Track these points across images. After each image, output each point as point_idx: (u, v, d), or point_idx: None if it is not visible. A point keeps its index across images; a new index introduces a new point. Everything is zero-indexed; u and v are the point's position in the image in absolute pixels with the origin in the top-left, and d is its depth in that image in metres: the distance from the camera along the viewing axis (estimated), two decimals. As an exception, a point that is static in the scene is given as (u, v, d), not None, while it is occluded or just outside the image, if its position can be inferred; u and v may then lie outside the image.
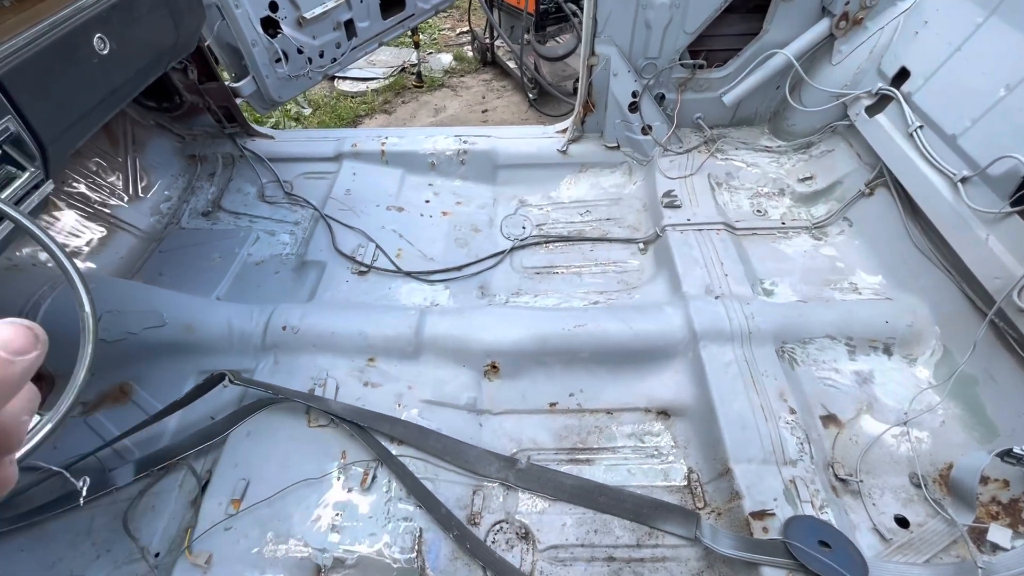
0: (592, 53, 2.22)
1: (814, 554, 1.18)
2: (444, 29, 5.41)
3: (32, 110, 1.39)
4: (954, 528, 1.28)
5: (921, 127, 1.74)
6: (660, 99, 2.38)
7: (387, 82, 4.41)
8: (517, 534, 1.45)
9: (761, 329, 1.65)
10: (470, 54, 4.84)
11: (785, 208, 2.18)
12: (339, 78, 4.40)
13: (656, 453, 1.59)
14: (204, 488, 1.48)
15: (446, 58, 4.77)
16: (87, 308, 1.00)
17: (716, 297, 1.76)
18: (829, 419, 1.53)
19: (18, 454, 0.83)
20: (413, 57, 4.59)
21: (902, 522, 1.34)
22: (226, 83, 2.39)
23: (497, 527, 1.46)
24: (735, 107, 2.39)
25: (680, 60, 2.25)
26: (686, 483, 1.52)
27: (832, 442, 1.48)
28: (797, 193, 2.19)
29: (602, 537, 1.43)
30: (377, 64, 4.55)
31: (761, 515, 1.30)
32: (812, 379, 1.60)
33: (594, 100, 2.39)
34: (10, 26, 1.39)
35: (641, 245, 2.16)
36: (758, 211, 2.17)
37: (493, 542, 1.43)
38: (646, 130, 2.38)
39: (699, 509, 1.44)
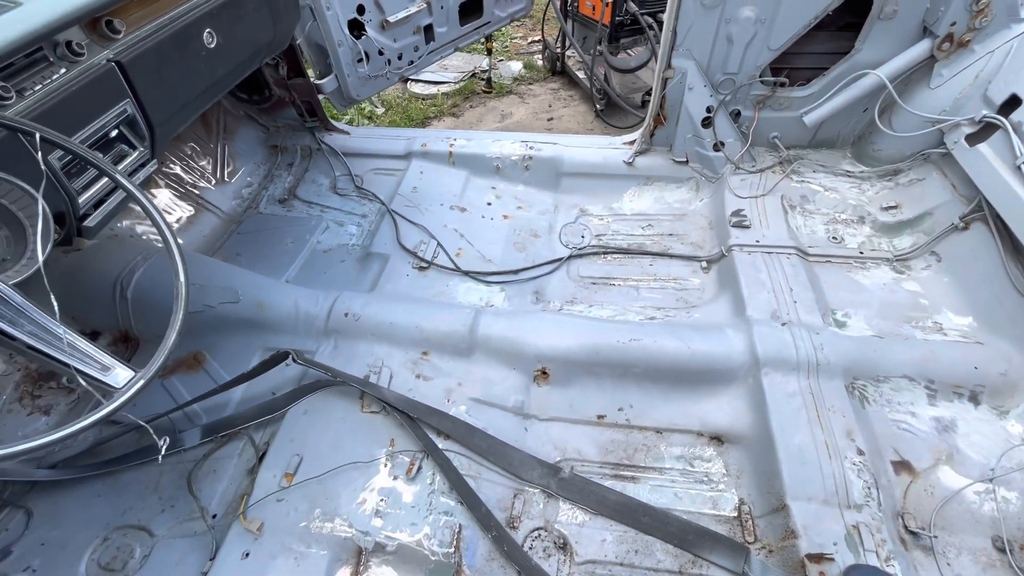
0: (668, 66, 2.19)
1: (877, 608, 1.09)
2: (516, 38, 5.49)
3: (147, 95, 1.52)
4: (1044, 603, 1.15)
5: (1031, 160, 1.60)
6: (735, 115, 2.31)
7: (457, 86, 4.52)
8: (555, 543, 1.43)
9: (830, 361, 1.56)
10: (540, 63, 4.88)
11: (864, 237, 2.06)
12: (412, 80, 4.56)
13: (706, 479, 1.53)
14: (261, 459, 1.56)
15: (516, 66, 4.84)
16: (182, 278, 1.08)
17: (783, 323, 1.68)
18: (901, 465, 1.42)
19: (113, 406, 0.90)
20: (484, 63, 4.68)
21: (981, 588, 1.22)
22: (311, 79, 2.53)
23: (535, 534, 1.45)
24: (815, 129, 2.28)
25: (760, 77, 2.17)
26: (736, 514, 1.45)
27: (904, 491, 1.37)
28: (879, 222, 2.06)
29: (643, 559, 1.39)
30: (449, 69, 4.68)
31: (819, 558, 1.23)
32: (884, 420, 1.49)
33: (666, 113, 2.35)
34: (136, 18, 1.53)
35: (704, 263, 2.10)
36: (834, 238, 2.06)
37: (530, 548, 1.42)
38: (718, 146, 2.31)
39: (748, 543, 1.37)
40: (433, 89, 4.50)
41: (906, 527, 1.31)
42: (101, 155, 1.17)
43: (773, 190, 2.21)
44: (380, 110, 4.26)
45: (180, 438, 1.63)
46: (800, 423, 1.45)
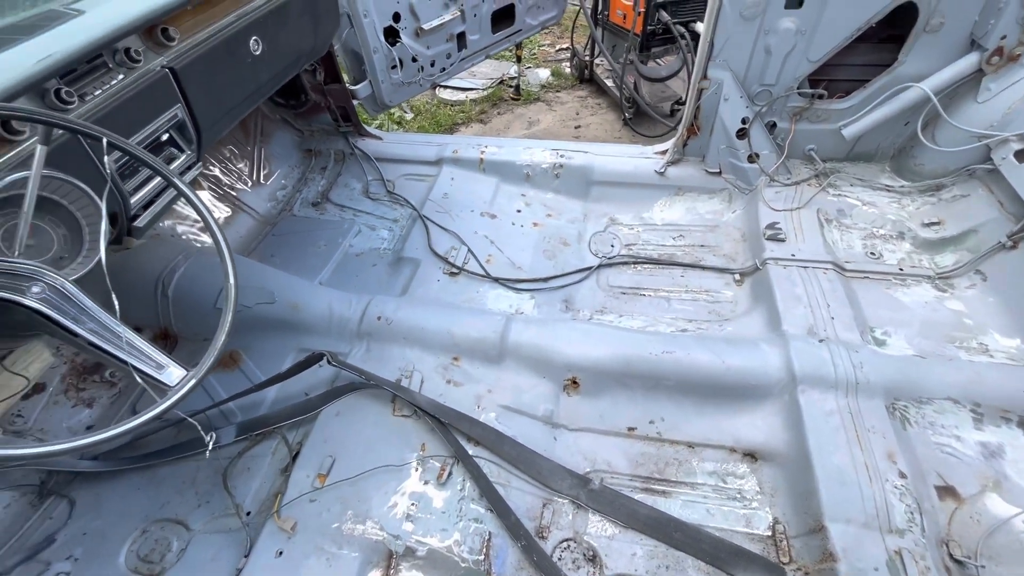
0: (704, 76, 2.18)
1: (923, 638, 1.06)
2: (544, 45, 5.51)
3: (196, 100, 1.56)
4: (1099, 641, 1.10)
5: (1086, 178, 1.54)
6: (771, 127, 2.29)
7: (485, 93, 4.56)
8: (584, 555, 1.42)
9: (870, 381, 1.53)
10: (568, 70, 4.90)
11: (904, 253, 2.01)
12: (441, 87, 4.61)
13: (739, 496, 1.50)
14: (295, 458, 1.58)
15: (544, 73, 4.86)
16: (232, 280, 1.11)
17: (820, 340, 1.65)
18: (946, 491, 1.37)
19: (168, 403, 0.92)
20: (513, 70, 4.72)
21: (1031, 622, 1.18)
22: (346, 85, 2.58)
23: (564, 544, 1.44)
24: (854, 141, 2.24)
25: (798, 89, 2.15)
26: (770, 533, 1.42)
27: (948, 517, 1.33)
28: (920, 238, 2.01)
29: (673, 575, 1.37)
30: (477, 75, 4.73)
31: (860, 584, 1.20)
32: (927, 443, 1.45)
33: (700, 123, 2.34)
34: (188, 26, 1.58)
35: (737, 276, 2.07)
36: (871, 254, 2.01)
37: (559, 559, 1.41)
38: (753, 158, 2.29)
39: (783, 563, 1.35)
40: (461, 95, 4.54)
41: (951, 555, 1.27)
42: (160, 160, 1.21)
43: (809, 203, 2.18)
44: (409, 115, 4.32)
45: (216, 435, 1.67)
46: (839, 443, 1.42)
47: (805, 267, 1.93)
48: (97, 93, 1.31)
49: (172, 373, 0.99)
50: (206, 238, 2.27)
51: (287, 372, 1.69)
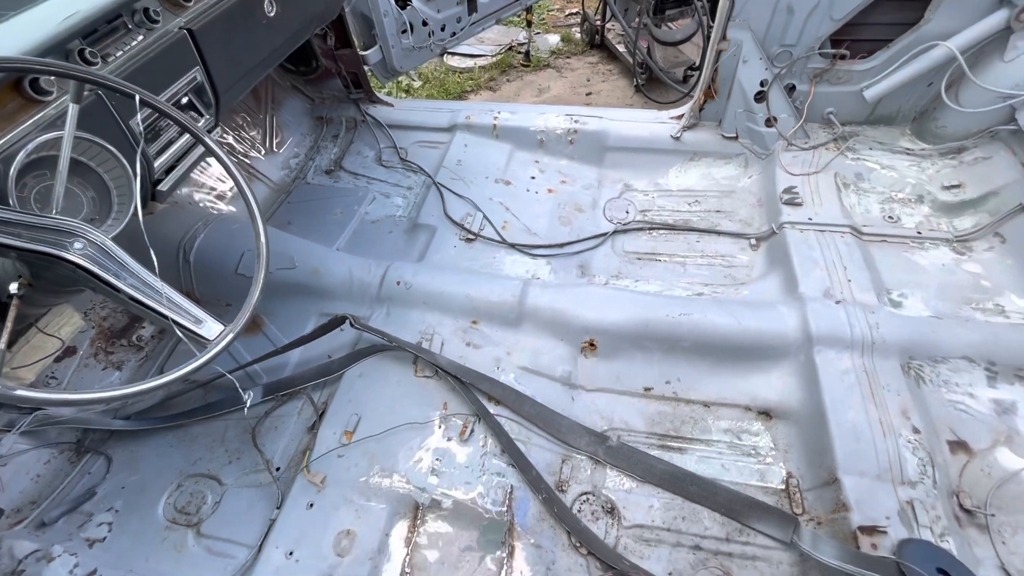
0: (724, 37, 2.13)
1: (933, 580, 1.11)
2: (553, 9, 5.38)
3: (214, 63, 1.56)
4: (1103, 584, 1.15)
5: (1114, 137, 1.52)
6: (790, 90, 2.25)
7: (494, 60, 4.47)
8: (603, 508, 1.47)
9: (886, 340, 1.54)
10: (578, 36, 4.78)
11: (922, 217, 2.00)
12: (449, 53, 4.53)
13: (753, 452, 1.54)
14: (321, 417, 1.63)
15: (553, 39, 4.76)
16: (263, 239, 1.13)
17: (837, 302, 1.66)
18: (958, 445, 1.41)
19: (208, 356, 0.96)
20: (521, 36, 4.61)
21: (1037, 567, 1.22)
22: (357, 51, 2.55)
23: (583, 498, 1.50)
24: (874, 104, 2.20)
25: (820, 49, 2.10)
26: (784, 487, 1.47)
27: (960, 470, 1.36)
28: (939, 202, 1.99)
29: (690, 525, 1.42)
30: (486, 42, 4.63)
31: (871, 531, 1.24)
32: (941, 401, 1.48)
33: (717, 87, 2.30)
34: (203, -14, 1.56)
35: (753, 241, 2.07)
36: (889, 217, 2.01)
37: (579, 511, 1.47)
38: (771, 122, 2.26)
39: (797, 514, 1.39)
40: (470, 62, 4.46)
41: (961, 505, 1.31)
42: (190, 119, 1.21)
43: (827, 167, 2.16)
44: (417, 83, 4.26)
45: (251, 394, 1.72)
46: (853, 400, 1.45)
47: (822, 231, 1.92)
48: (119, 54, 1.31)
49: (211, 327, 1.02)
50: (223, 205, 2.28)
51: (311, 335, 1.73)
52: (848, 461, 1.36)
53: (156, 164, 1.45)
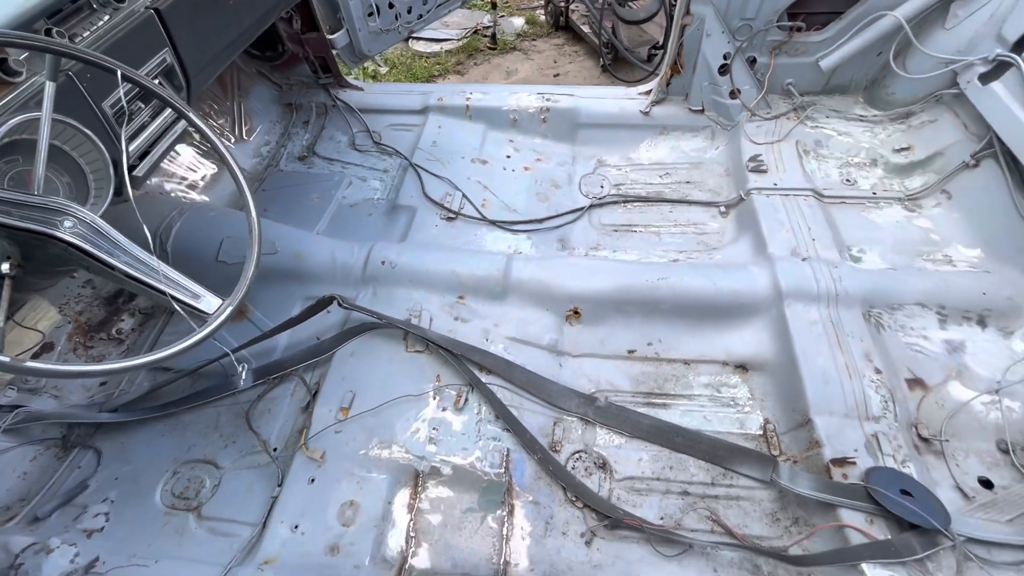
0: (687, 12, 2.20)
1: (897, 499, 1.22)
2: (516, -8, 5.36)
3: (183, 44, 1.53)
4: (1042, 493, 1.29)
5: (1043, 95, 1.66)
6: (751, 63, 2.34)
7: (460, 43, 4.45)
8: (595, 463, 1.55)
9: (848, 292, 1.66)
10: (542, 18, 4.80)
11: (876, 179, 2.13)
12: (414, 38, 4.48)
13: (732, 403, 1.64)
14: (314, 396, 1.65)
15: (518, 21, 4.76)
16: (254, 215, 1.14)
17: (803, 259, 1.77)
18: (915, 382, 1.54)
19: (210, 328, 0.97)
20: (486, 19, 4.60)
21: (986, 483, 1.36)
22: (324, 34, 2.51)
23: (576, 456, 1.57)
24: (829, 74, 2.32)
25: (777, 22, 2.19)
26: (762, 432, 1.57)
27: (917, 404, 1.49)
28: (891, 164, 2.13)
29: (677, 473, 1.51)
30: (451, 26, 4.60)
31: (842, 462, 1.35)
32: (899, 344, 1.60)
33: (683, 61, 2.37)
34: (167, -35, 1.52)
35: (723, 208, 2.17)
36: (847, 180, 2.13)
37: (573, 468, 1.54)
38: (734, 94, 2.35)
39: (775, 455, 1.50)
40: (436, 47, 4.43)
41: (919, 435, 1.43)
42: (173, 94, 1.20)
43: (788, 136, 2.26)
44: (384, 69, 4.21)
45: (233, 381, 1.71)
46: (821, 347, 1.56)
47: (786, 195, 2.03)
48: (86, 34, 1.28)
49: (210, 301, 1.03)
50: (195, 195, 2.24)
51: (298, 317, 1.73)
52: (819, 403, 1.47)
53: (131, 149, 1.43)
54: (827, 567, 1.24)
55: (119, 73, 1.03)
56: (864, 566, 1.19)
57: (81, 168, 1.28)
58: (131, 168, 1.46)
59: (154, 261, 0.99)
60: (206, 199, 2.26)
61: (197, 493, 1.51)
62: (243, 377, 1.19)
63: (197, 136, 1.20)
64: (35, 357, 1.71)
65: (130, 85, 1.08)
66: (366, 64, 4.15)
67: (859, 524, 1.25)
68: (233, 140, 2.52)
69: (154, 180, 2.14)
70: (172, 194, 2.17)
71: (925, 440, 1.43)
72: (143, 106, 1.48)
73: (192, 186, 2.26)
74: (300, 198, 2.34)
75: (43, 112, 0.99)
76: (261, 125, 2.66)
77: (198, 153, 2.34)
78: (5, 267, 0.89)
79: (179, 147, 2.26)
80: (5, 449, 1.52)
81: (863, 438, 1.39)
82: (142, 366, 0.92)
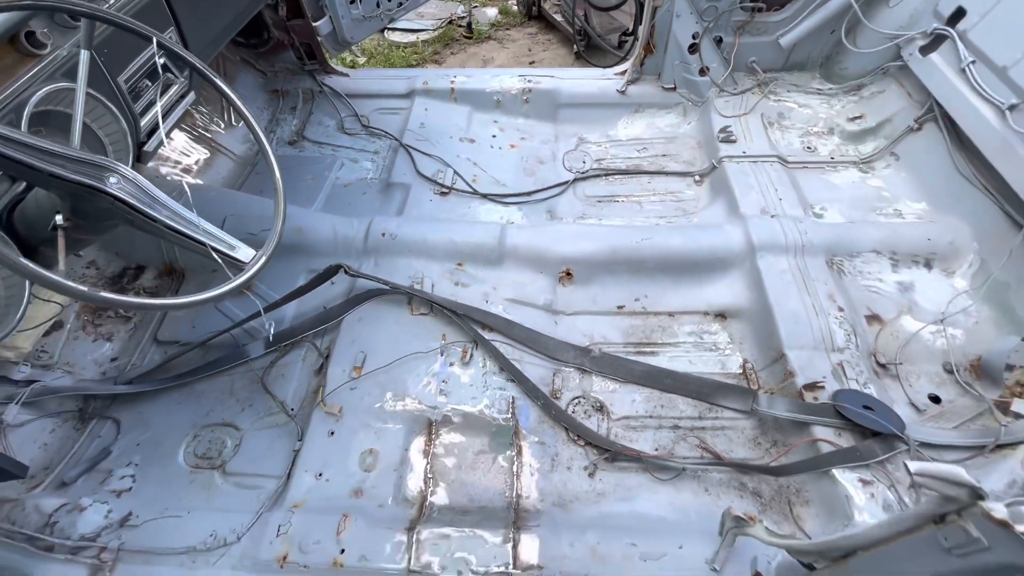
0: (659, -6, 2.36)
1: (860, 411, 1.40)
2: (487, -17, 5.46)
3: (186, 23, 1.60)
4: (982, 403, 1.48)
5: (973, 62, 1.87)
6: (718, 42, 2.51)
7: (436, 33, 4.53)
8: (593, 407, 1.68)
9: (813, 243, 1.84)
10: (515, 7, 4.92)
11: (834, 146, 2.33)
12: (390, 29, 4.54)
13: (714, 348, 1.80)
14: (327, 359, 1.73)
15: (491, 11, 4.86)
16: (277, 174, 1.22)
17: (772, 216, 1.95)
18: (873, 318, 1.73)
19: (248, 275, 1.07)
20: (460, 9, 4.69)
21: (935, 399, 1.55)
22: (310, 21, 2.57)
23: (575, 401, 1.70)
24: (788, 52, 2.51)
25: (740, 3, 2.37)
26: (741, 371, 1.73)
27: (875, 336, 1.68)
28: (846, 132, 2.33)
29: (668, 411, 1.66)
30: (426, 16, 4.67)
31: (812, 387, 1.52)
32: (858, 286, 1.79)
33: (655, 42, 2.53)
34: (169, -52, 1.58)
35: (697, 177, 2.34)
36: (808, 148, 2.32)
37: (573, 412, 1.67)
38: (704, 71, 2.52)
39: (754, 389, 1.66)
40: (412, 37, 4.50)
41: (878, 362, 1.62)
42: (201, 63, 1.27)
43: (754, 109, 2.45)
44: (362, 60, 4.25)
45: (244, 351, 1.78)
46: (791, 292, 1.74)
47: (755, 162, 2.21)
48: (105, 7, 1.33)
49: (245, 251, 1.12)
50: (191, 178, 2.28)
51: (306, 286, 1.81)
52: (791, 339, 1.64)
53: (141, 124, 1.49)
54: (803, 475, 1.41)
55: (155, 40, 1.10)
56: (835, 472, 1.36)
57: (100, 139, 1.35)
58: (140, 144, 1.53)
59: (193, 216, 1.07)
60: (201, 182, 2.31)
61: (220, 453, 1.58)
62: (271, 329, 1.27)
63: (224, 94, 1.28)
64: (45, 336, 1.74)
65: (164, 51, 1.15)
66: (343, 55, 4.19)
67: (829, 437, 1.42)
68: (223, 126, 2.56)
69: (150, 164, 2.17)
70: (168, 178, 2.21)
71: (883, 366, 1.61)
72: (150, 84, 1.54)
73: (186, 170, 2.30)
74: (294, 180, 2.40)
75: (79, 80, 1.05)
76: (249, 112, 2.69)
77: (191, 138, 2.38)
78: (59, 219, 0.96)
79: (172, 132, 2.30)
80: (25, 422, 1.56)
81: (830, 366, 1.57)
82: (204, 301, 1.01)
